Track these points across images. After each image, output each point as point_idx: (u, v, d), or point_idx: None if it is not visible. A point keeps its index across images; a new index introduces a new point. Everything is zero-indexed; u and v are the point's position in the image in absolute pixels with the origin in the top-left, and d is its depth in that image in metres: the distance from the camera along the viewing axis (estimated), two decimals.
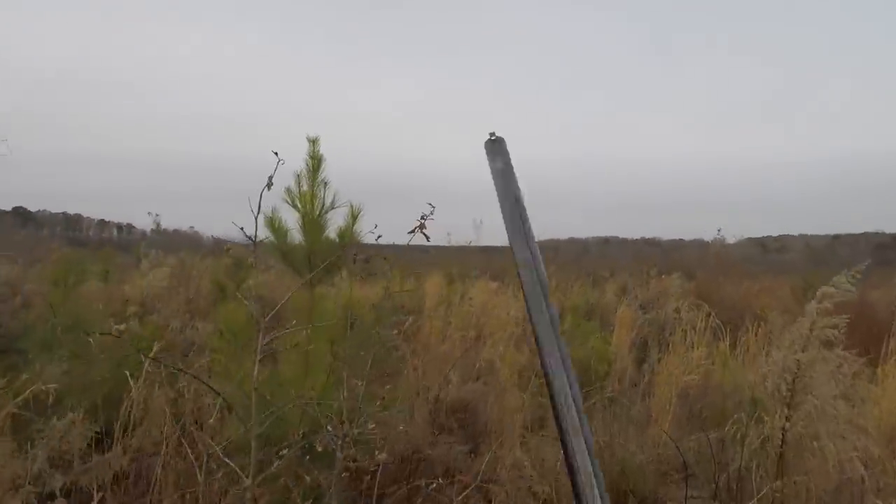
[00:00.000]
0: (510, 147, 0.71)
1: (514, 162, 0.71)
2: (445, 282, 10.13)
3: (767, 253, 47.26)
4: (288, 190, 2.64)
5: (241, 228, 1.61)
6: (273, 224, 2.62)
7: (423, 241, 1.76)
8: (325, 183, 2.68)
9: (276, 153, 1.62)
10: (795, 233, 54.62)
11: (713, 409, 3.88)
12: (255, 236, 1.67)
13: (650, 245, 47.73)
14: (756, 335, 5.76)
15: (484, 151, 0.72)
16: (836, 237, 52.52)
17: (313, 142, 2.64)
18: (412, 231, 1.74)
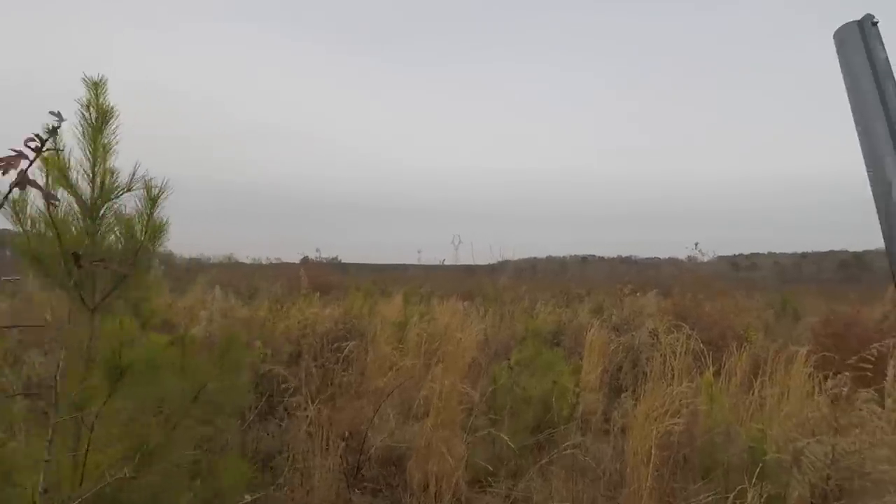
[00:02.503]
0: None
1: None
2: (404, 302, 9.34)
3: (739, 271, 47.70)
4: (47, 159, 1.65)
5: None
6: (17, 210, 1.65)
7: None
8: (109, 147, 1.72)
9: None
10: (765, 251, 55.13)
11: (702, 459, 3.15)
12: None
13: (626, 263, 47.81)
14: (741, 359, 5.20)
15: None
16: (804, 255, 53.31)
17: (95, 85, 1.73)
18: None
